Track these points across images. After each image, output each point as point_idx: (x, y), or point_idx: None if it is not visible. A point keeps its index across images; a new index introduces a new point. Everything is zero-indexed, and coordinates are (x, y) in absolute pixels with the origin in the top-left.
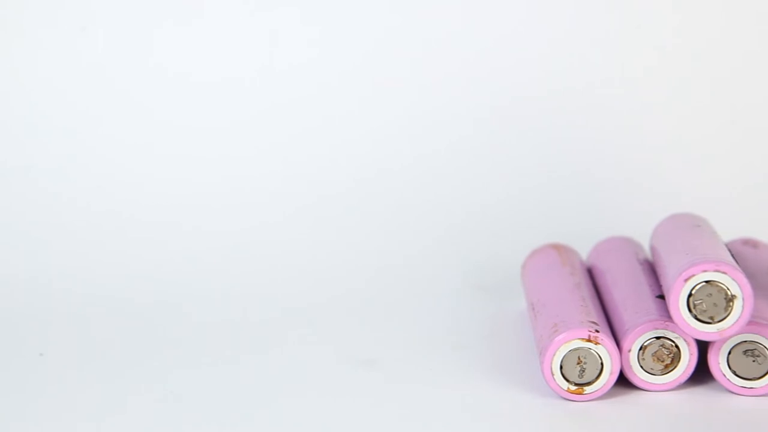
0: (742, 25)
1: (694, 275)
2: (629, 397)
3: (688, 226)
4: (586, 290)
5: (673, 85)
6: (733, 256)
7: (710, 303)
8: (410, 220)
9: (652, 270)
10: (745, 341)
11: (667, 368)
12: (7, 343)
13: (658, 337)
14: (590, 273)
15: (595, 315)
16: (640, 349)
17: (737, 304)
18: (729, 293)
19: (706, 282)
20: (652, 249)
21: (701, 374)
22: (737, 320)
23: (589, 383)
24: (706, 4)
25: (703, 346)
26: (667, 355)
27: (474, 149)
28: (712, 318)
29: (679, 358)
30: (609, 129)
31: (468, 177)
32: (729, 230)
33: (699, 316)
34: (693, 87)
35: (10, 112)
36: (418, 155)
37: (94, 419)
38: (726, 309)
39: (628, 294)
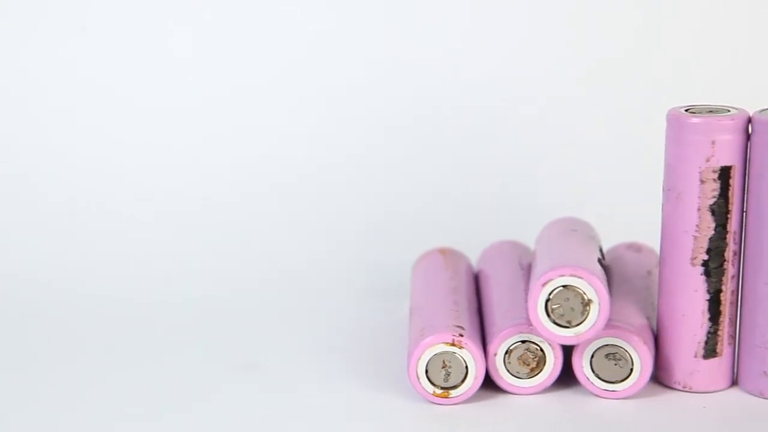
0: (623, 32)
1: (551, 280)
2: (496, 400)
3: (564, 230)
4: (464, 294)
5: (569, 88)
6: (601, 260)
7: (567, 307)
8: (305, 224)
9: None
10: (607, 345)
11: (533, 372)
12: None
13: (523, 341)
14: (479, 277)
15: (466, 319)
16: (506, 352)
17: (593, 309)
18: (585, 298)
19: (564, 286)
20: (533, 253)
21: (568, 378)
22: (593, 324)
23: (454, 387)
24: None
25: (568, 350)
26: (533, 358)
27: (378, 153)
28: (569, 322)
29: (545, 361)
30: (526, 133)
31: (371, 180)
32: (626, 235)
33: (557, 321)
34: (590, 92)
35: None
36: (315, 159)
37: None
38: (583, 313)
39: (502, 298)
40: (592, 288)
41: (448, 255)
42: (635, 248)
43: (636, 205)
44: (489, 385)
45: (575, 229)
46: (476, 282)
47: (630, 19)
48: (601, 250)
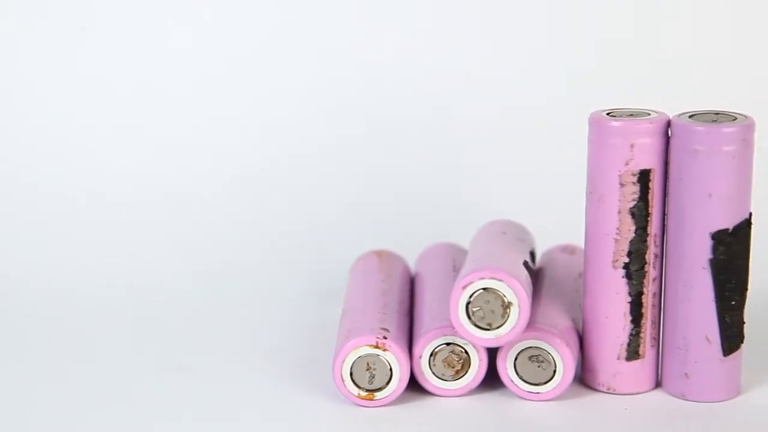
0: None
1: (472, 282)
2: (422, 403)
3: (494, 233)
4: (395, 296)
5: (511, 90)
6: (528, 263)
7: (488, 310)
8: (243, 225)
9: None
10: (531, 347)
11: (458, 374)
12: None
13: (448, 343)
14: (414, 279)
15: (394, 321)
16: (431, 355)
17: (513, 311)
18: (505, 300)
19: (484, 289)
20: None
21: (493, 380)
22: (514, 327)
23: (379, 389)
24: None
25: (493, 352)
26: (458, 360)
27: (330, 154)
28: (490, 325)
29: (470, 363)
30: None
31: (320, 181)
32: (567, 237)
33: (477, 323)
34: (534, 94)
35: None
36: (254, 160)
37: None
38: (503, 316)
39: (433, 300)
40: (512, 290)
41: (384, 257)
42: (569, 250)
43: (577, 207)
44: (415, 387)
45: (505, 232)
46: (412, 284)
47: (556, 23)
48: (532, 253)
